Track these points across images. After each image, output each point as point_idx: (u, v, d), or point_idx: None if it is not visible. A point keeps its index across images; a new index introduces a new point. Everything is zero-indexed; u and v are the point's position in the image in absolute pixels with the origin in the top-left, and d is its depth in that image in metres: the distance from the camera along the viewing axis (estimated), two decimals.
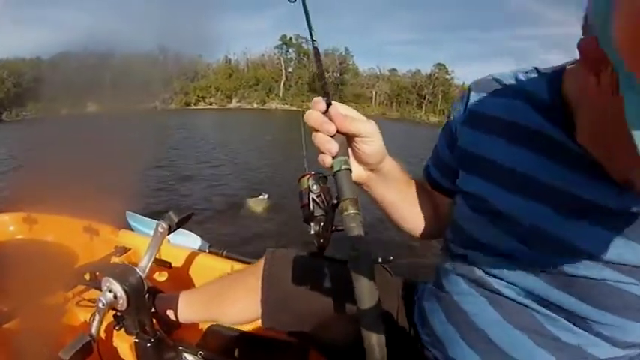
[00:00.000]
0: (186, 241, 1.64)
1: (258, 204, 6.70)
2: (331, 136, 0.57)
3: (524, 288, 0.62)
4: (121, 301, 0.85)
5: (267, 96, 56.12)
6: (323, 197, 0.73)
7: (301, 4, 0.71)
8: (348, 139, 0.60)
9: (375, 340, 0.50)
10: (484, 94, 0.69)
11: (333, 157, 0.56)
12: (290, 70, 60.28)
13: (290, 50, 60.72)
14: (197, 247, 1.63)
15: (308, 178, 0.76)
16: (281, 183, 8.58)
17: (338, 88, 58.12)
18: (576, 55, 0.44)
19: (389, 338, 0.53)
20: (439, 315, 0.76)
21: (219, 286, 1.15)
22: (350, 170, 0.56)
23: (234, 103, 52.04)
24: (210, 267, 1.55)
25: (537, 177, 0.59)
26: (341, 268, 0.94)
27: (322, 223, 0.69)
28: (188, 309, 1.14)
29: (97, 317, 0.85)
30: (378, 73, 64.26)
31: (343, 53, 59.98)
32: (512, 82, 0.67)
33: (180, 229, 1.09)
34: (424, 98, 61.49)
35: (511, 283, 0.63)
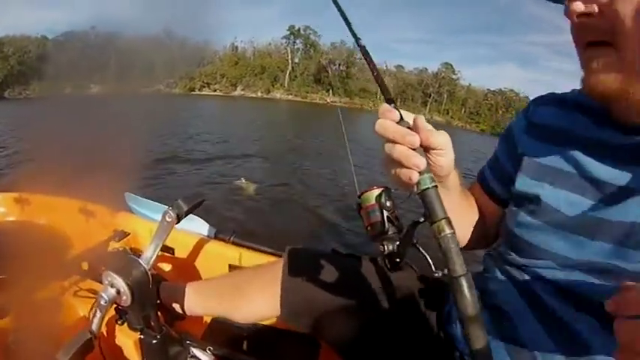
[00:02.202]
0: (192, 225, 1.54)
1: (247, 187, 6.82)
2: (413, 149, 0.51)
3: (586, 297, 0.61)
4: (124, 297, 0.79)
5: (272, 85, 55.81)
6: (395, 213, 0.65)
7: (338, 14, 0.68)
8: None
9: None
10: (547, 108, 0.74)
11: (420, 173, 0.50)
12: (296, 60, 60.04)
13: (297, 41, 60.48)
14: (204, 233, 1.54)
15: (380, 194, 0.65)
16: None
17: (344, 82, 57.90)
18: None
19: (418, 334, 0.59)
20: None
21: (233, 281, 1.12)
22: (437, 187, 0.51)
23: (238, 91, 51.81)
24: (216, 254, 1.47)
25: (607, 181, 0.60)
26: (359, 265, 1.00)
27: (397, 243, 0.61)
28: (197, 302, 1.10)
29: (98, 314, 0.80)
30: (385, 68, 63.95)
31: (351, 47, 59.74)
32: (570, 96, 0.72)
33: None
34: (429, 97, 61.30)
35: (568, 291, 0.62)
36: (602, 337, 0.58)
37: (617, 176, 0.58)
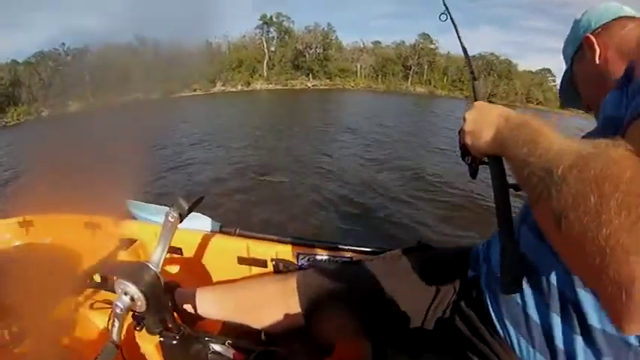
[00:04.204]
0: (196, 223, 1.55)
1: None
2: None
3: None
4: (139, 303, 0.81)
5: (252, 77, 55.12)
6: None
7: (451, 23, 1.02)
8: None
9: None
10: None
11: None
12: (273, 49, 59.25)
13: (271, 29, 59.56)
14: (208, 229, 1.56)
15: None
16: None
17: (322, 64, 57.36)
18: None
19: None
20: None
21: (252, 292, 1.15)
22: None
23: (218, 87, 51.14)
24: (224, 248, 1.50)
25: None
26: (371, 269, 1.07)
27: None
28: (214, 309, 1.14)
29: (117, 323, 0.81)
30: (362, 46, 63.43)
31: (325, 29, 59.06)
32: None
33: None
34: (410, 69, 60.92)
35: None
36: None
37: None
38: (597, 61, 0.84)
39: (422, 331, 1.00)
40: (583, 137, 0.74)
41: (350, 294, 1.03)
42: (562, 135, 0.52)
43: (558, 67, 1.03)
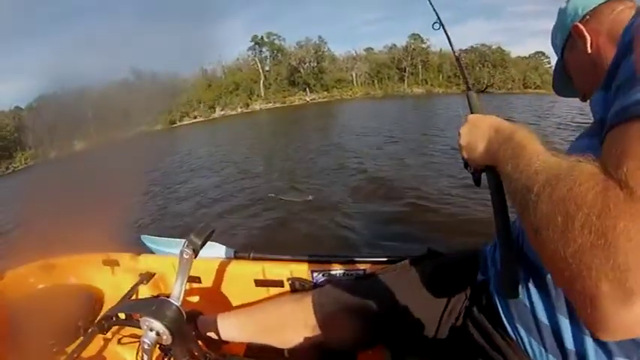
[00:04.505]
0: (211, 252, 1.59)
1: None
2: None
3: None
4: (165, 337, 0.85)
5: (250, 98, 55.64)
6: None
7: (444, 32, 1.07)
8: None
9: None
10: None
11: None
12: (267, 68, 59.85)
13: (264, 49, 60.27)
14: (223, 256, 1.60)
15: None
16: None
17: (318, 77, 57.76)
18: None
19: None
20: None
21: (271, 314, 1.19)
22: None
23: (218, 113, 51.67)
24: (240, 273, 1.53)
25: None
26: (384, 281, 1.11)
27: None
28: (237, 333, 1.17)
29: (146, 358, 0.85)
30: (355, 54, 63.88)
31: (317, 42, 59.62)
32: None
33: None
34: (405, 71, 61.14)
35: None
36: None
37: None
38: (589, 50, 0.82)
39: (437, 339, 1.02)
40: (579, 136, 0.77)
41: (365, 307, 1.06)
42: (544, 147, 0.55)
43: (551, 49, 1.01)
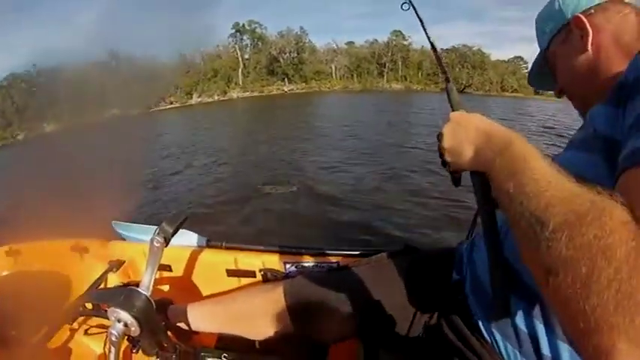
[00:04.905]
0: (183, 240, 1.57)
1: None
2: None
3: None
4: (133, 328, 0.83)
5: (228, 86, 54.75)
6: None
7: (414, 12, 0.92)
8: None
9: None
10: None
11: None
12: (247, 57, 58.99)
13: (244, 37, 59.30)
14: (195, 244, 1.58)
15: None
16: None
17: (297, 68, 57.35)
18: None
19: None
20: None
21: (242, 304, 1.18)
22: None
23: (194, 99, 50.64)
24: (212, 262, 1.51)
25: None
26: (357, 274, 1.11)
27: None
28: (208, 323, 1.16)
29: (113, 349, 0.83)
30: (335, 47, 63.67)
31: (298, 32, 59.07)
32: None
33: None
34: (384, 67, 61.36)
35: None
36: None
37: None
38: (588, 48, 0.74)
39: (410, 335, 1.03)
40: (569, 143, 0.74)
41: (337, 299, 1.05)
42: (547, 161, 0.51)
43: (531, 54, 0.99)
